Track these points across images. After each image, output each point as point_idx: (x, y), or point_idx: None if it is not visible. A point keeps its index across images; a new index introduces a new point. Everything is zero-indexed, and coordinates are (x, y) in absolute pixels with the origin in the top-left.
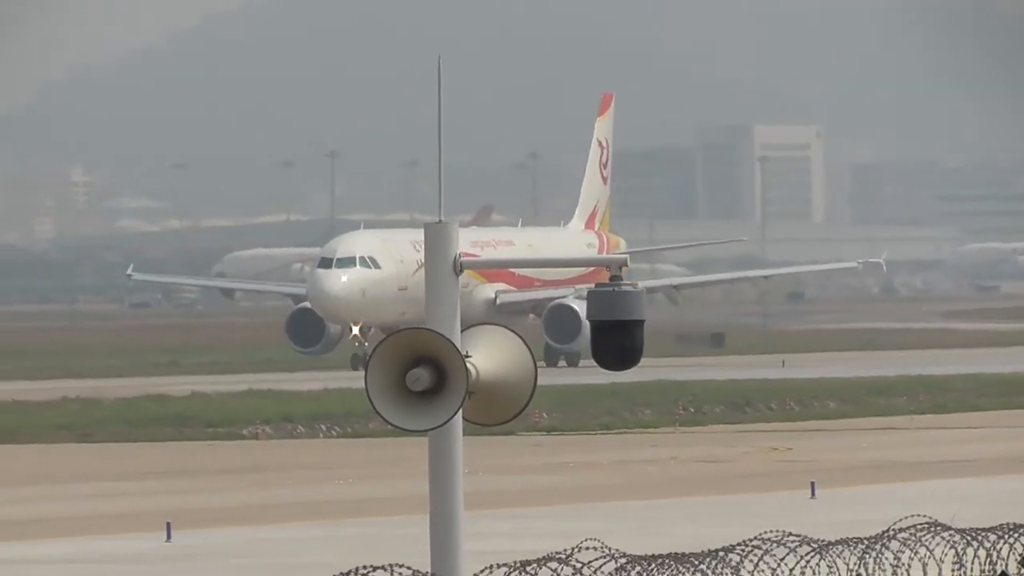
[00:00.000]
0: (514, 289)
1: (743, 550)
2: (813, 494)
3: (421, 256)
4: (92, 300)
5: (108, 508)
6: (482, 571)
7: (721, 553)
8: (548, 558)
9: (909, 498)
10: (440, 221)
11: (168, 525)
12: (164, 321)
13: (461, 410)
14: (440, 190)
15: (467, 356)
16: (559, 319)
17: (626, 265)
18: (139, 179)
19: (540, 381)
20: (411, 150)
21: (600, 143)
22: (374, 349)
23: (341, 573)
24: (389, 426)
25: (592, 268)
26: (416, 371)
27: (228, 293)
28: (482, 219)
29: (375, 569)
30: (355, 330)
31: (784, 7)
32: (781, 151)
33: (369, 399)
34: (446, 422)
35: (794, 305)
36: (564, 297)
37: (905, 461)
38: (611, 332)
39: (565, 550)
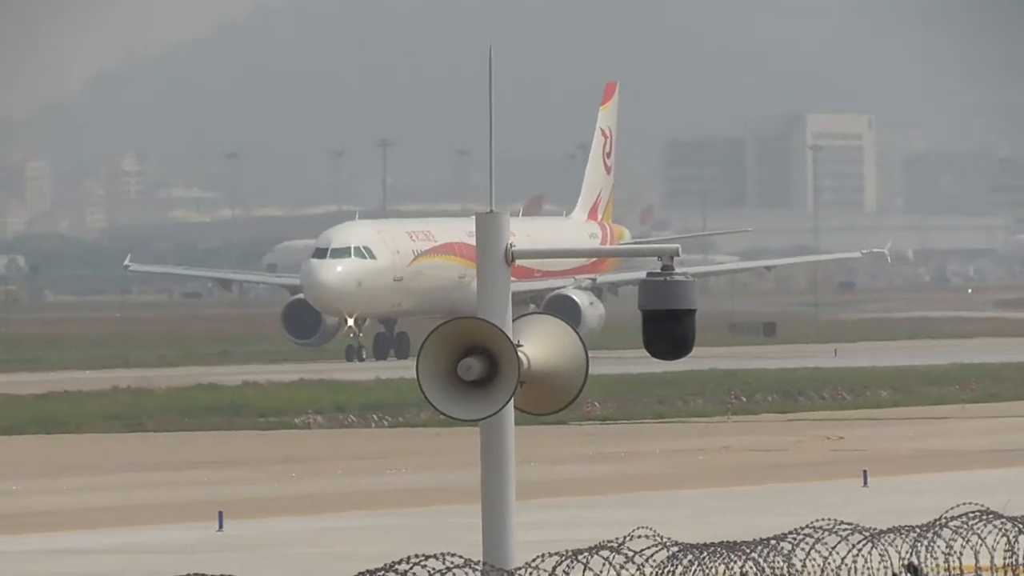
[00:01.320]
0: (514, 279)
1: (795, 538)
2: (865, 482)
3: (417, 246)
4: (144, 290)
5: (160, 498)
6: (534, 560)
7: (773, 541)
8: (599, 547)
9: (961, 486)
10: (491, 211)
11: (220, 514)
12: (216, 311)
13: (513, 399)
14: (491, 180)
15: (519, 345)
16: (559, 310)
17: (677, 255)
18: (191, 169)
19: (590, 371)
20: (462, 139)
21: (603, 132)
22: (426, 338)
23: (393, 562)
24: (441, 415)
25: (592, 260)
26: (468, 360)
27: (226, 284)
28: (533, 209)
29: (427, 558)
30: (350, 322)
31: None
32: (833, 140)
33: (421, 388)
34: (498, 411)
35: (845, 294)
36: (564, 288)
37: (957, 450)
38: (663, 321)
39: (617, 538)
